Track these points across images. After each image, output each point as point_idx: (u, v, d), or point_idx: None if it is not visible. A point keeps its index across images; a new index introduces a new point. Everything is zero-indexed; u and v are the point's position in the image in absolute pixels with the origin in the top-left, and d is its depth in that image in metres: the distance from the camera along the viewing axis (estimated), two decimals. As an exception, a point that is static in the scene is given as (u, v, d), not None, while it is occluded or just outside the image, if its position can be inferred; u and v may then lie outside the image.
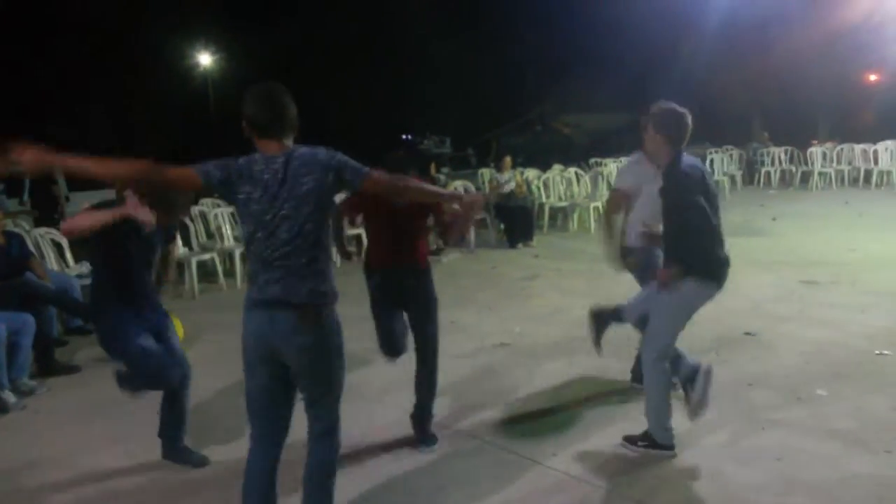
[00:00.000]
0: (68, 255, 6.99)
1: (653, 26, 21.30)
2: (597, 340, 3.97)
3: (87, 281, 6.53)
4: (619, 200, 4.11)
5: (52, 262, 6.70)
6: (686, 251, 3.33)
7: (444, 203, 3.22)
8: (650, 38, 22.24)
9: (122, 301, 3.53)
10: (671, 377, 3.55)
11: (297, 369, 2.55)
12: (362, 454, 3.65)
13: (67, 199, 13.05)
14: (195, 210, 8.46)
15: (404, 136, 24.60)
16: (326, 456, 2.67)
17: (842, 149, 15.99)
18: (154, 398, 3.68)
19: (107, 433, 4.10)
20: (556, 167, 13.02)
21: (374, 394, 4.49)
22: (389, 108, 30.02)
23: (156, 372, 3.52)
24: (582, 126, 27.89)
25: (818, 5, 17.96)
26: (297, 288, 2.47)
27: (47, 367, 5.20)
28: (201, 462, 3.63)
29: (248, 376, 2.59)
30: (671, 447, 3.44)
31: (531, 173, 12.30)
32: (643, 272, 3.98)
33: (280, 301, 2.47)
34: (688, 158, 3.45)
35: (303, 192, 2.46)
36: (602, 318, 4.03)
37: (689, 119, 3.47)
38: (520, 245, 9.92)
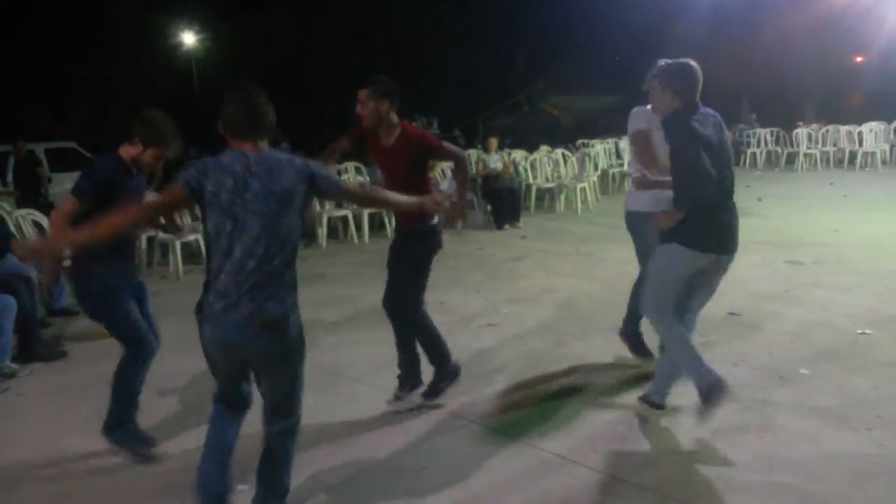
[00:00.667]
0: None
1: (642, 9, 21.26)
2: (645, 352, 4.37)
3: (70, 262, 6.51)
4: (643, 139, 3.99)
5: (33, 244, 6.62)
6: (684, 200, 3.25)
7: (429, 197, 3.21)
8: (639, 21, 22.20)
9: (117, 255, 3.43)
10: (683, 330, 3.47)
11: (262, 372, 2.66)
12: (347, 434, 3.65)
13: (50, 179, 12.92)
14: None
15: (391, 117, 24.39)
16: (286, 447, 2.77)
17: (827, 130, 16.07)
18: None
19: (91, 416, 4.06)
20: (544, 148, 13.00)
21: (359, 374, 4.49)
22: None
23: (141, 338, 3.52)
24: (570, 108, 27.83)
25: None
26: (268, 291, 2.48)
27: (31, 350, 5.12)
28: (151, 443, 3.55)
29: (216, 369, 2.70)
30: (722, 384, 3.30)
31: (518, 154, 12.27)
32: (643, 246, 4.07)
33: (250, 307, 2.46)
34: (702, 112, 3.32)
35: (276, 191, 2.48)
36: (629, 333, 4.39)
37: (698, 71, 3.32)
38: (506, 226, 9.92)
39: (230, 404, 2.73)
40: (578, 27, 26.63)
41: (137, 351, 3.54)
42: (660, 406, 3.67)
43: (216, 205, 2.45)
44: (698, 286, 3.51)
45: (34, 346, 5.15)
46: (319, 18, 29.37)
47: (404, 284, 3.81)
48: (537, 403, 3.95)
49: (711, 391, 3.27)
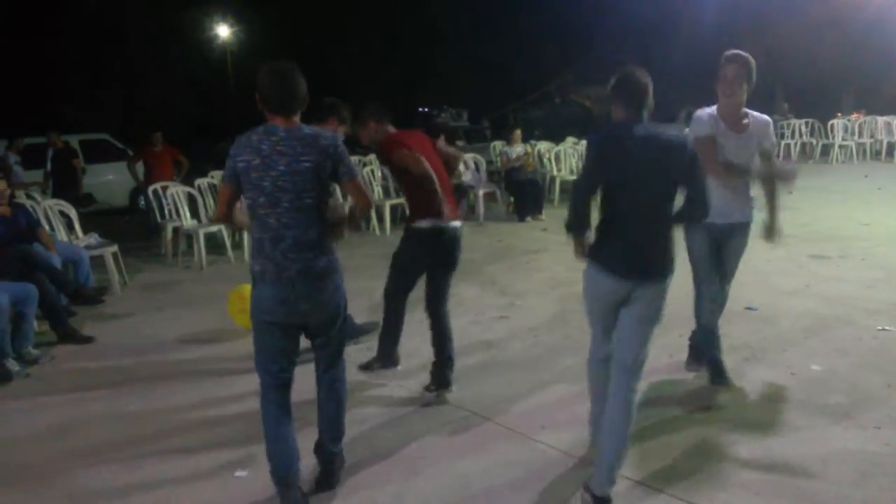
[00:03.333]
0: (77, 226, 7.08)
1: (680, 3, 20.90)
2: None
3: (97, 252, 6.68)
4: (706, 147, 3.57)
5: (61, 234, 6.80)
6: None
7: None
8: (672, 8, 21.83)
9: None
10: (598, 378, 3.10)
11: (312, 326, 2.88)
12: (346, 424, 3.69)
13: (84, 170, 13.23)
14: (204, 182, 8.51)
15: (421, 109, 24.44)
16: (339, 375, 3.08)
17: (864, 121, 15.65)
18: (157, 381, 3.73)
19: (110, 405, 4.17)
20: (569, 140, 12.88)
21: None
22: (408, 81, 29.85)
23: None
24: (602, 98, 27.45)
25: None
26: (303, 256, 2.71)
27: (62, 332, 5.28)
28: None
29: (265, 336, 2.82)
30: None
31: (543, 146, 12.19)
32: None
33: (293, 270, 2.71)
34: (642, 127, 2.87)
35: (301, 168, 2.69)
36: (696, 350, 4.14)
37: (636, 83, 2.90)
38: (528, 218, 9.88)
39: (279, 388, 2.89)
40: (608, 15, 26.26)
41: None
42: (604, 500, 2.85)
43: (248, 182, 2.70)
44: (624, 325, 2.94)
45: (66, 328, 5.30)
46: (350, 9, 29.46)
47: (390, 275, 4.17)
48: (541, 396, 3.94)
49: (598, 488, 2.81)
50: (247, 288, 4.07)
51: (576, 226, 2.96)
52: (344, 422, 3.09)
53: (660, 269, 2.89)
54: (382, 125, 4.06)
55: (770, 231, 3.86)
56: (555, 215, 10.15)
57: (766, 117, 3.82)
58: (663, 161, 2.84)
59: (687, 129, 3.69)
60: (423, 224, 3.86)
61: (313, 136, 2.72)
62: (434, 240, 3.89)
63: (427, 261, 4.01)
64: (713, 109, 3.74)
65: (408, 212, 4.20)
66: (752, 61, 3.64)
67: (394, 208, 9.67)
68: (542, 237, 8.67)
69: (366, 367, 4.34)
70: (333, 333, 2.95)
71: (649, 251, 2.88)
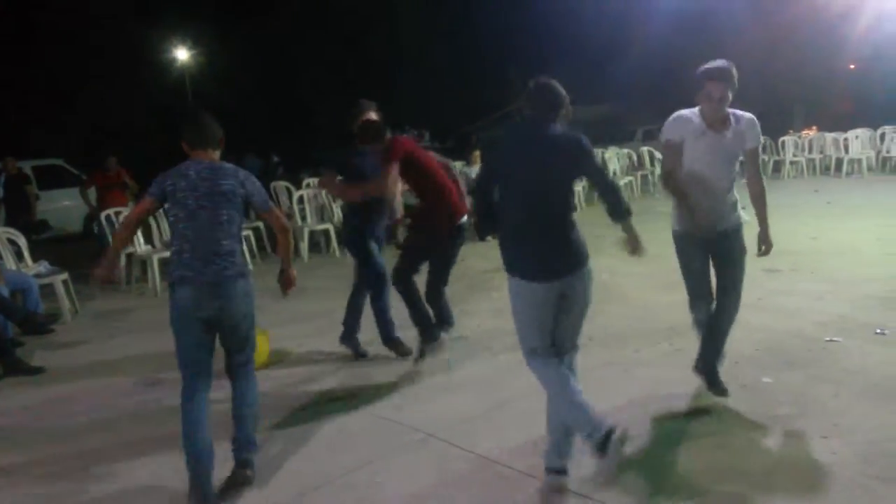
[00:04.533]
0: (26, 254, 6.91)
1: (630, 19, 21.38)
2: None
3: (47, 280, 6.52)
4: (673, 154, 3.65)
5: (10, 262, 6.63)
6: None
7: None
8: (625, 29, 22.32)
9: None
10: (556, 370, 3.07)
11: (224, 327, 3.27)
12: (298, 450, 3.65)
13: (38, 197, 12.97)
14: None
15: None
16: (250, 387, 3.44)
17: (814, 137, 16.12)
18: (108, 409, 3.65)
19: (56, 436, 4.06)
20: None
21: (320, 389, 4.48)
22: (371, 100, 29.90)
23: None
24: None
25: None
26: (213, 264, 3.18)
27: (9, 365, 5.13)
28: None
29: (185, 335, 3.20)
30: (610, 429, 2.85)
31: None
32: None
33: (204, 276, 3.16)
34: (544, 127, 3.03)
35: (221, 191, 3.25)
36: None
37: (542, 89, 3.08)
38: (489, 238, 9.89)
39: (198, 380, 3.25)
40: (570, 38, 26.81)
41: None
42: (561, 471, 3.09)
43: (175, 201, 3.22)
44: (563, 320, 3.06)
45: (12, 361, 5.15)
46: (313, 31, 29.53)
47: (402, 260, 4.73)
48: (498, 417, 3.94)
49: (598, 439, 2.81)
50: None
51: (482, 229, 3.28)
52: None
53: (574, 264, 3.02)
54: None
55: (764, 241, 3.90)
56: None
57: (750, 116, 3.68)
58: (549, 157, 2.98)
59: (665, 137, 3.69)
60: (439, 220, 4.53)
61: (233, 169, 3.33)
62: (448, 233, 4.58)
63: (437, 251, 4.65)
64: (693, 112, 3.63)
65: (421, 209, 4.73)
66: (734, 70, 3.51)
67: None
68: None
69: (421, 356, 4.63)
70: (242, 335, 3.32)
71: (556, 250, 3.00)
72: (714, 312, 3.88)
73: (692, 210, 3.62)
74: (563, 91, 3.11)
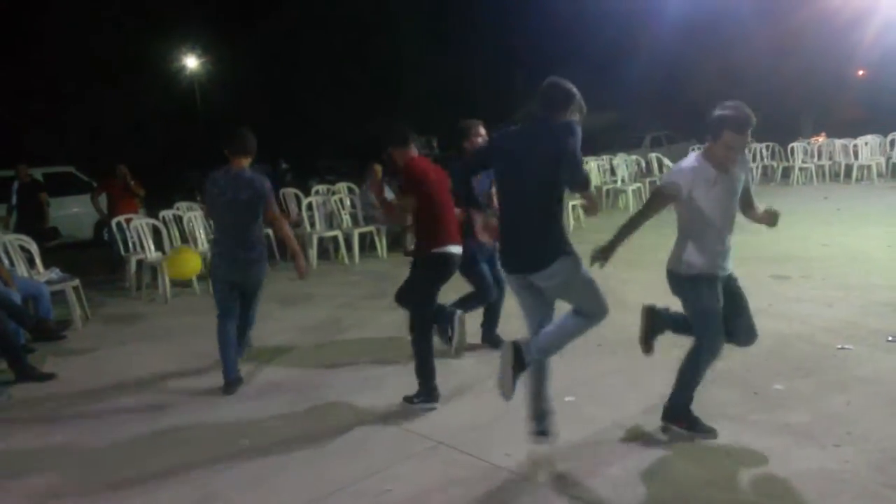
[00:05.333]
0: (38, 260, 6.95)
1: (638, 26, 21.39)
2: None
3: (58, 286, 6.56)
4: (663, 202, 3.55)
5: (21, 269, 6.66)
6: None
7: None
8: (633, 34, 22.32)
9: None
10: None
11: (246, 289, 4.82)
12: (310, 457, 3.66)
13: (48, 204, 13.08)
14: (169, 213, 8.44)
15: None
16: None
17: (823, 144, 16.07)
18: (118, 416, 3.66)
19: (69, 442, 4.08)
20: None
21: (332, 396, 4.51)
22: (376, 108, 30.04)
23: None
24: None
25: (814, 2, 18.03)
26: (242, 249, 4.64)
27: (21, 372, 5.15)
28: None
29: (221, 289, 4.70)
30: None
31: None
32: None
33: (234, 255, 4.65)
34: (530, 124, 3.31)
35: (242, 199, 4.60)
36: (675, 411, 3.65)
37: (555, 87, 3.27)
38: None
39: (228, 315, 4.70)
40: (578, 44, 26.83)
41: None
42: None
43: (213, 204, 4.74)
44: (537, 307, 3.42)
45: (24, 368, 5.17)
46: (321, 40, 29.67)
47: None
48: (506, 424, 3.92)
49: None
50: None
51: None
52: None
53: (536, 263, 3.20)
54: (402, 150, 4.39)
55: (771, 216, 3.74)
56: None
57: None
58: (531, 152, 3.18)
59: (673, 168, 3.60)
60: (436, 250, 4.23)
61: (251, 177, 4.61)
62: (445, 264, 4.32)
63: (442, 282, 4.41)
64: (700, 161, 3.42)
65: (417, 239, 4.44)
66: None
67: (362, 236, 9.66)
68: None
69: (408, 400, 4.22)
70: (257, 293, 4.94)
71: (521, 246, 3.24)
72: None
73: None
74: (572, 89, 3.24)
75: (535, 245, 3.20)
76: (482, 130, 4.94)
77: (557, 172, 3.15)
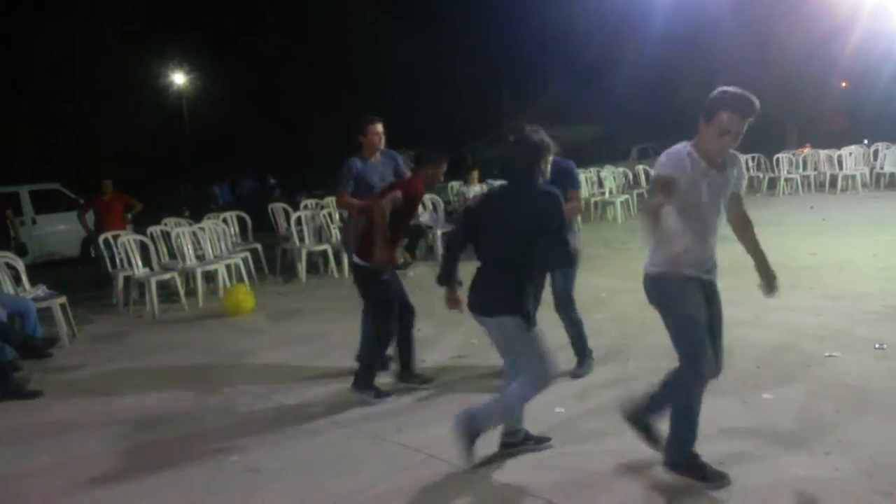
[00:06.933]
0: (24, 277, 6.90)
1: (622, 39, 21.59)
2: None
3: (45, 303, 6.50)
4: (665, 190, 3.02)
5: (7, 286, 6.61)
6: None
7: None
8: (622, 50, 22.53)
9: None
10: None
11: None
12: (303, 472, 3.63)
13: (34, 221, 13.09)
14: (157, 229, 8.40)
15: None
16: None
17: (808, 154, 16.23)
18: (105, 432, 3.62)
19: (54, 459, 4.03)
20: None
21: (320, 412, 4.47)
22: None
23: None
24: (555, 138, 28.09)
25: (795, 13, 18.23)
26: None
27: (7, 389, 5.09)
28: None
29: None
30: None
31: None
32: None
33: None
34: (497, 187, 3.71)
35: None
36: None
37: (523, 145, 3.45)
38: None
39: None
40: (563, 58, 27.06)
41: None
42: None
43: None
44: None
45: (10, 386, 5.11)
46: (307, 55, 29.75)
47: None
48: (496, 437, 3.92)
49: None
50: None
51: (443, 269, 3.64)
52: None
53: (484, 308, 3.36)
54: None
55: (768, 272, 3.52)
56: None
57: (736, 153, 3.23)
58: (517, 215, 3.33)
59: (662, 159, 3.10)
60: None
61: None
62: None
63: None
64: (691, 148, 3.08)
65: (403, 258, 5.03)
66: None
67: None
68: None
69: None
70: None
71: (478, 289, 3.39)
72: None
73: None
74: (538, 140, 3.41)
75: (488, 291, 3.38)
76: (380, 129, 5.17)
77: (536, 242, 3.30)
